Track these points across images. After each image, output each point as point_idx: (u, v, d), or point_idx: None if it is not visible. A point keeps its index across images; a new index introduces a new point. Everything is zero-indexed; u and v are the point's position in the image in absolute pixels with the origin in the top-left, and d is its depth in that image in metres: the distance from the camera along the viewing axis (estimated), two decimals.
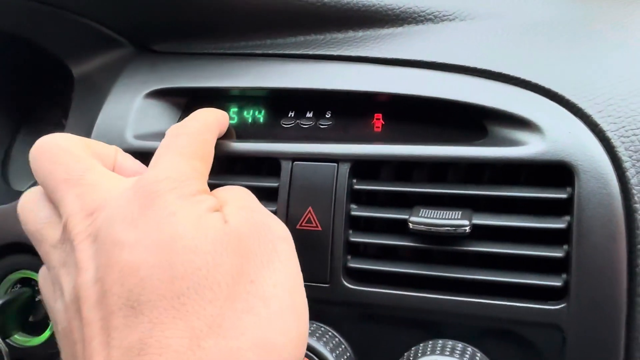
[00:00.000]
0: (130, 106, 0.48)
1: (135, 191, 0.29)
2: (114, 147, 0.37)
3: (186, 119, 0.37)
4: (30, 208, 0.33)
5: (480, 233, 0.37)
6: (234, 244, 0.29)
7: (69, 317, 0.29)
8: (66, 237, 0.30)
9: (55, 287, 0.31)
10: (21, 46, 0.59)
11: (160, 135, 0.48)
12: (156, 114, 0.49)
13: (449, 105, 0.41)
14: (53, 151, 0.32)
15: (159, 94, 0.49)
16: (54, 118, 0.66)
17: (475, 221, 0.37)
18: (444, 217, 0.37)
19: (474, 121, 0.41)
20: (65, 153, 0.32)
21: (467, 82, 0.41)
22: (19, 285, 0.55)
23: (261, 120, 0.48)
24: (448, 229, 0.37)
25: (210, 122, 0.38)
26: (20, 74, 0.64)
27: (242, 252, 0.29)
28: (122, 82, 0.50)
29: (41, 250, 0.32)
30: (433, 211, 0.38)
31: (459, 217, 0.37)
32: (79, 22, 0.52)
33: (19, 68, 0.63)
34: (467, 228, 0.36)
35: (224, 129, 0.42)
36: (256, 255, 0.29)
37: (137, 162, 0.38)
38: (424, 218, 0.37)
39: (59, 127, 0.66)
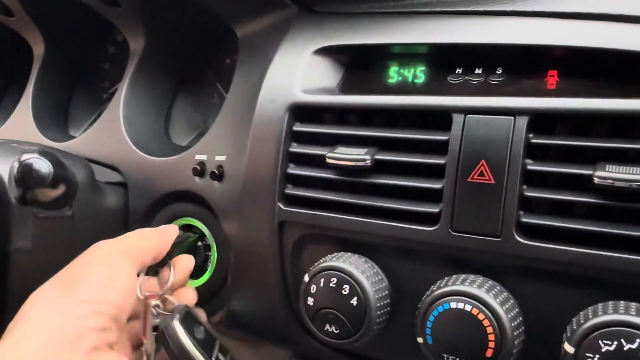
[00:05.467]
0: (297, 63, 0.51)
1: None
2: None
3: None
4: None
5: None
6: None
7: None
8: None
9: None
10: (188, 8, 0.63)
11: (326, 91, 0.50)
12: (321, 70, 0.51)
13: (631, 58, 0.39)
14: None
15: (325, 52, 0.51)
16: (209, 81, 0.70)
17: None
18: (633, 172, 0.36)
19: None
20: None
21: None
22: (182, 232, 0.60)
23: (422, 78, 0.49)
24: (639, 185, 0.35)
25: None
26: (182, 38, 0.68)
27: None
28: (288, 41, 0.53)
29: None
30: (620, 167, 0.37)
31: None
32: None
33: (183, 32, 0.68)
34: None
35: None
36: None
37: None
38: (612, 173, 0.36)
39: (213, 89, 0.70)
